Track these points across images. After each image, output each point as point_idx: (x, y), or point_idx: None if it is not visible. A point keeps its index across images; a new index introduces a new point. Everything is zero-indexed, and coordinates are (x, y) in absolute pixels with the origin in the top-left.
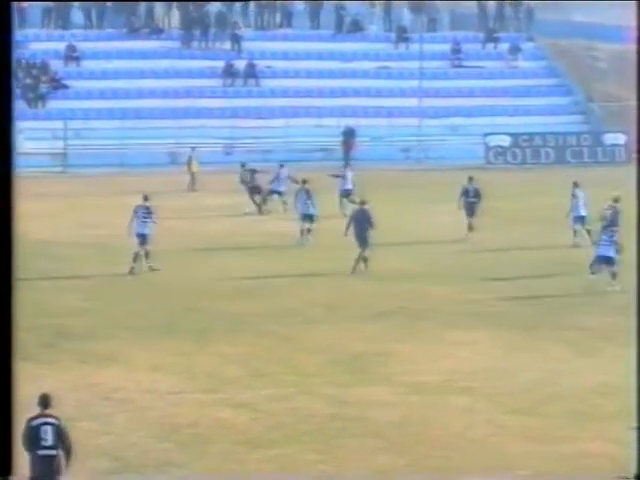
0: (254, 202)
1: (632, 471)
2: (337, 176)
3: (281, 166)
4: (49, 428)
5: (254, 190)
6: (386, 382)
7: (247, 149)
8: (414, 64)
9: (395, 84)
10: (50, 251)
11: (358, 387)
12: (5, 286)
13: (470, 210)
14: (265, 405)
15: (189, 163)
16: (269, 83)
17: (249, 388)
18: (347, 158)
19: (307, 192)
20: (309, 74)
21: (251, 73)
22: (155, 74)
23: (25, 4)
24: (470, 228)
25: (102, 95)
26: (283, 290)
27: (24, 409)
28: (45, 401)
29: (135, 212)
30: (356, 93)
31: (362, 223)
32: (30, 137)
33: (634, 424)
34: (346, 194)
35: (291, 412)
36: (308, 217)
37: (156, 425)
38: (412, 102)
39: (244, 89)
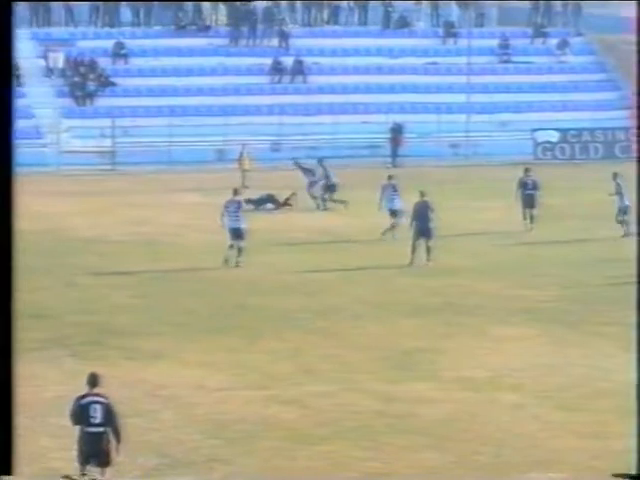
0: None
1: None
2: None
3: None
4: (98, 407)
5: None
6: (434, 378)
7: (294, 146)
8: (462, 60)
9: (443, 80)
10: (98, 248)
11: (406, 383)
12: (5, 285)
13: (530, 202)
14: (313, 401)
15: (240, 160)
16: (316, 80)
17: (297, 384)
18: (395, 155)
19: (393, 187)
20: (357, 70)
21: (298, 70)
22: (203, 71)
23: (72, 2)
24: (532, 220)
25: (150, 92)
26: (330, 286)
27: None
28: (94, 380)
29: (226, 207)
30: (404, 89)
31: (424, 215)
32: (78, 135)
33: None
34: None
35: (339, 408)
36: (394, 212)
37: (204, 422)
38: (460, 98)
39: (291, 86)
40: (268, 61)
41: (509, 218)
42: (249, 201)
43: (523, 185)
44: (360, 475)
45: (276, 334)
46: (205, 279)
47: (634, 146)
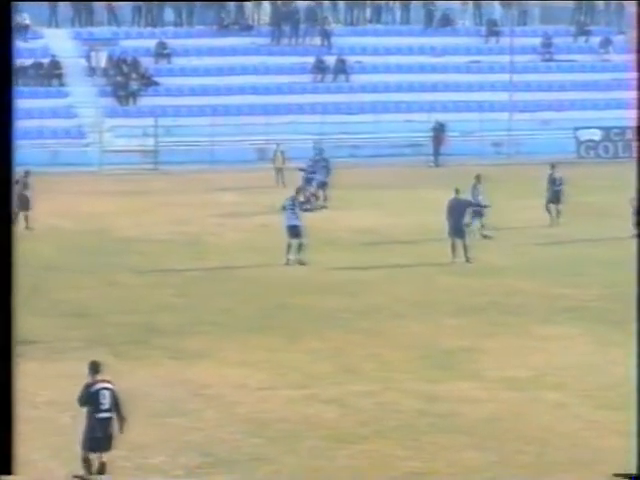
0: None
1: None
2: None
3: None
4: (107, 393)
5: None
6: (476, 378)
7: (336, 144)
8: (505, 58)
9: (485, 78)
10: (141, 248)
11: (447, 383)
12: (5, 284)
13: (557, 198)
14: (354, 401)
15: (274, 159)
16: (359, 78)
17: (338, 384)
18: (437, 153)
19: (478, 187)
20: (399, 69)
21: (341, 69)
22: (245, 70)
23: (114, 2)
24: (558, 215)
25: (192, 92)
26: (371, 285)
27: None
28: (96, 367)
29: (284, 206)
30: (446, 88)
31: (458, 212)
32: (121, 134)
33: None
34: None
35: (380, 408)
36: (477, 212)
37: (246, 421)
38: (503, 96)
39: (334, 85)
40: (310, 60)
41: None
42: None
43: (552, 182)
44: (401, 475)
45: (317, 333)
46: (246, 278)
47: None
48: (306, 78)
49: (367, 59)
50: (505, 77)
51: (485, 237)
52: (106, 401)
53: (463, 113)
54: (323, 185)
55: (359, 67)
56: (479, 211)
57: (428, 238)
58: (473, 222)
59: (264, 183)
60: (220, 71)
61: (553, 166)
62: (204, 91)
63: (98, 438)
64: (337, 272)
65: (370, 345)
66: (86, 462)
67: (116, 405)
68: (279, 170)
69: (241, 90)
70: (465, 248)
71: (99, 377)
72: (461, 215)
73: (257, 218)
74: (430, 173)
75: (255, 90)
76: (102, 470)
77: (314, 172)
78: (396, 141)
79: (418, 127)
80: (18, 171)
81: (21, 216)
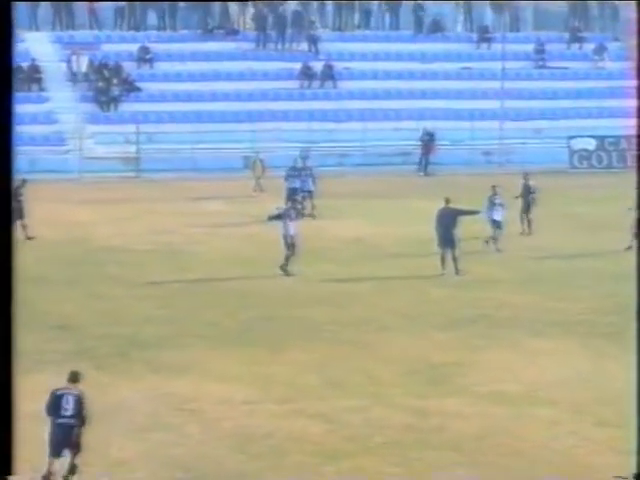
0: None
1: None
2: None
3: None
4: (71, 398)
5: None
6: (466, 393)
7: (323, 153)
8: (496, 65)
9: (476, 85)
10: (123, 258)
11: (437, 398)
12: (5, 285)
13: (529, 207)
14: (341, 416)
15: (253, 167)
16: (347, 85)
17: (325, 398)
18: (426, 162)
19: (496, 197)
20: (388, 75)
21: (328, 75)
22: (230, 76)
23: (96, 4)
24: (529, 224)
25: (175, 98)
26: (359, 297)
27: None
28: (74, 377)
29: (278, 215)
30: (436, 95)
31: (447, 222)
32: (102, 141)
33: None
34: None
35: (367, 423)
36: (494, 223)
37: (230, 436)
38: (494, 104)
39: (321, 91)
40: (297, 66)
41: (542, 229)
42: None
43: (526, 190)
44: None
45: (303, 346)
46: (231, 290)
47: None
48: (293, 84)
49: (355, 65)
50: (497, 84)
51: (498, 251)
52: (69, 407)
53: (453, 121)
54: (309, 194)
55: (347, 73)
56: (499, 223)
57: (417, 249)
58: (491, 234)
59: (249, 192)
60: (204, 77)
61: (526, 174)
62: (187, 97)
63: (58, 443)
64: (324, 283)
65: (357, 358)
66: (50, 467)
67: (80, 412)
68: (258, 179)
69: (226, 96)
70: (455, 260)
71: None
72: (451, 225)
73: (242, 228)
74: (419, 182)
75: (240, 96)
76: (70, 474)
77: (301, 180)
78: (385, 149)
79: (407, 135)
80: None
81: (18, 225)
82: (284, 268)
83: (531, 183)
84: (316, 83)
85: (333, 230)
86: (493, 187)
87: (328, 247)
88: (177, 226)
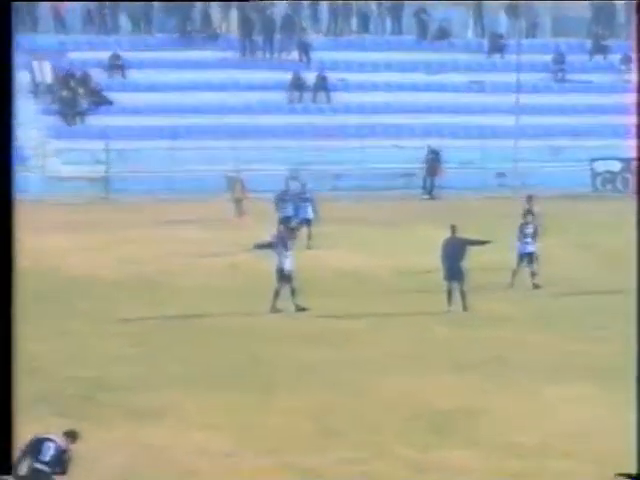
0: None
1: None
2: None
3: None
4: (52, 446)
5: None
6: (474, 444)
7: (315, 174)
8: (510, 77)
9: (488, 99)
10: (92, 290)
11: (442, 449)
12: (5, 285)
13: (534, 233)
14: (335, 469)
15: (233, 188)
16: (342, 98)
17: (317, 450)
18: (432, 185)
19: (528, 226)
20: (389, 88)
21: (322, 86)
22: (211, 87)
23: (63, 5)
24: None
25: (150, 111)
26: (357, 336)
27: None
28: (72, 435)
29: (270, 244)
30: (442, 110)
31: (454, 253)
32: (67, 159)
33: None
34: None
35: (364, 477)
36: (524, 255)
37: None
38: (508, 121)
39: (313, 105)
40: (287, 76)
41: (558, 260)
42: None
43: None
44: None
45: (293, 391)
46: (212, 326)
47: None
48: (281, 97)
49: (352, 76)
50: (511, 99)
51: (536, 287)
52: (48, 453)
53: (462, 140)
54: (307, 223)
55: (342, 85)
56: (532, 255)
57: (421, 282)
58: (526, 268)
59: (232, 217)
60: (182, 87)
61: (530, 198)
62: (163, 110)
63: None
64: (318, 320)
65: (354, 404)
66: None
67: (59, 464)
68: (238, 201)
69: (206, 109)
70: (463, 294)
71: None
72: (458, 256)
73: (225, 258)
74: (423, 208)
75: (222, 109)
76: None
77: (296, 207)
78: (385, 171)
79: (410, 155)
80: None
81: None
82: (274, 306)
83: (535, 209)
84: (308, 95)
85: (327, 261)
86: (525, 214)
87: (321, 280)
88: (151, 255)
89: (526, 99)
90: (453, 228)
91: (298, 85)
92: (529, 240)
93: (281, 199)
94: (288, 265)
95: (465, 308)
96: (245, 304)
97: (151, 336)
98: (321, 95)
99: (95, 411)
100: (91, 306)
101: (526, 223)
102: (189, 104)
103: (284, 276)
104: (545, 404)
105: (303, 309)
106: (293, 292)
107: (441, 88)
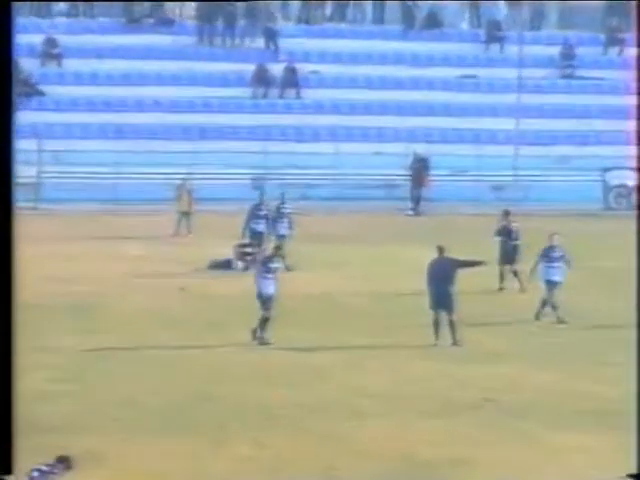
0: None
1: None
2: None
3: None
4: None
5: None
6: None
7: (283, 182)
8: (510, 73)
9: (484, 99)
10: (17, 315)
11: None
12: (5, 283)
13: (513, 257)
14: None
15: (178, 198)
16: (315, 94)
17: None
18: (418, 197)
19: (554, 251)
20: (369, 83)
21: (291, 80)
22: (162, 79)
23: None
24: (516, 275)
25: (90, 106)
26: (328, 373)
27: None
28: (67, 462)
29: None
30: (431, 110)
31: (442, 277)
32: None
33: None
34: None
35: None
36: (551, 284)
37: None
38: (507, 124)
39: (281, 102)
40: (250, 68)
41: (569, 287)
42: (214, 263)
43: (506, 235)
44: None
45: (252, 436)
46: (157, 359)
47: None
48: (244, 92)
49: (326, 68)
50: (511, 98)
51: (561, 323)
52: None
53: (453, 144)
54: (281, 239)
55: (315, 79)
56: (556, 285)
57: (403, 311)
58: (549, 299)
59: (183, 231)
60: (128, 79)
61: (507, 213)
62: (106, 105)
63: None
64: (282, 354)
65: (323, 453)
66: None
67: None
68: (185, 215)
69: (156, 106)
70: (452, 325)
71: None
72: (447, 281)
73: (173, 278)
74: (408, 224)
75: (175, 106)
76: None
77: (269, 222)
78: (363, 180)
79: (393, 162)
80: None
81: None
82: (259, 335)
83: (512, 226)
84: (274, 91)
85: (294, 284)
86: (551, 236)
87: (288, 307)
88: (87, 274)
89: (528, 99)
90: (440, 248)
91: (263, 79)
92: (555, 265)
93: (255, 212)
94: (271, 290)
95: (455, 341)
96: (196, 334)
97: (83, 369)
98: (290, 91)
99: (17, 457)
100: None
101: (551, 247)
102: (136, 99)
103: (263, 302)
104: (549, 455)
105: (265, 342)
106: (265, 321)
107: (430, 85)
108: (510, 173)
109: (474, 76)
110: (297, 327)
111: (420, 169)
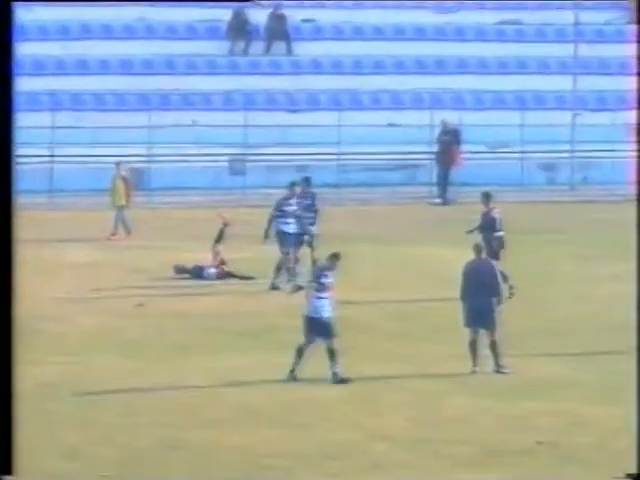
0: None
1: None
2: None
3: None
4: None
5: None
6: None
7: (270, 165)
8: (564, 17)
9: (529, 51)
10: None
11: None
12: (5, 284)
13: (496, 250)
14: None
15: (113, 188)
16: (310, 49)
17: None
18: (445, 181)
19: None
20: (378, 34)
21: (279, 31)
22: (109, 32)
23: None
24: (504, 279)
25: (22, 68)
26: (329, 412)
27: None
28: None
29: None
30: (462, 66)
31: (480, 285)
32: None
33: None
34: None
35: None
36: None
37: None
38: (562, 83)
39: (266, 59)
40: (226, 14)
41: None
42: (181, 270)
43: (488, 224)
44: None
45: None
46: (109, 397)
47: None
48: (218, 47)
49: (324, 15)
50: (565, 49)
51: None
52: None
53: (491, 112)
54: (312, 241)
55: (310, 28)
56: None
57: (430, 329)
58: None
59: (145, 230)
60: (66, 32)
61: (488, 197)
62: (37, 66)
63: None
64: (273, 387)
65: None
66: None
67: None
68: (120, 209)
69: (103, 66)
70: (494, 348)
71: None
72: (487, 290)
73: (128, 291)
74: (434, 215)
75: (128, 66)
76: None
77: (301, 219)
78: (373, 160)
79: (413, 136)
80: None
81: None
82: (333, 371)
83: (496, 214)
84: (258, 45)
85: (294, 298)
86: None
87: (282, 326)
88: (18, 288)
89: (587, 50)
90: (478, 248)
91: (242, 29)
92: None
93: (283, 208)
94: (327, 312)
95: (498, 368)
96: (160, 363)
97: (19, 408)
98: (278, 45)
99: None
100: None
101: None
102: (77, 58)
103: (317, 328)
104: None
105: (344, 380)
106: (333, 355)
107: (458, 34)
108: (566, 148)
109: (517, 21)
110: (289, 350)
111: (449, 144)
